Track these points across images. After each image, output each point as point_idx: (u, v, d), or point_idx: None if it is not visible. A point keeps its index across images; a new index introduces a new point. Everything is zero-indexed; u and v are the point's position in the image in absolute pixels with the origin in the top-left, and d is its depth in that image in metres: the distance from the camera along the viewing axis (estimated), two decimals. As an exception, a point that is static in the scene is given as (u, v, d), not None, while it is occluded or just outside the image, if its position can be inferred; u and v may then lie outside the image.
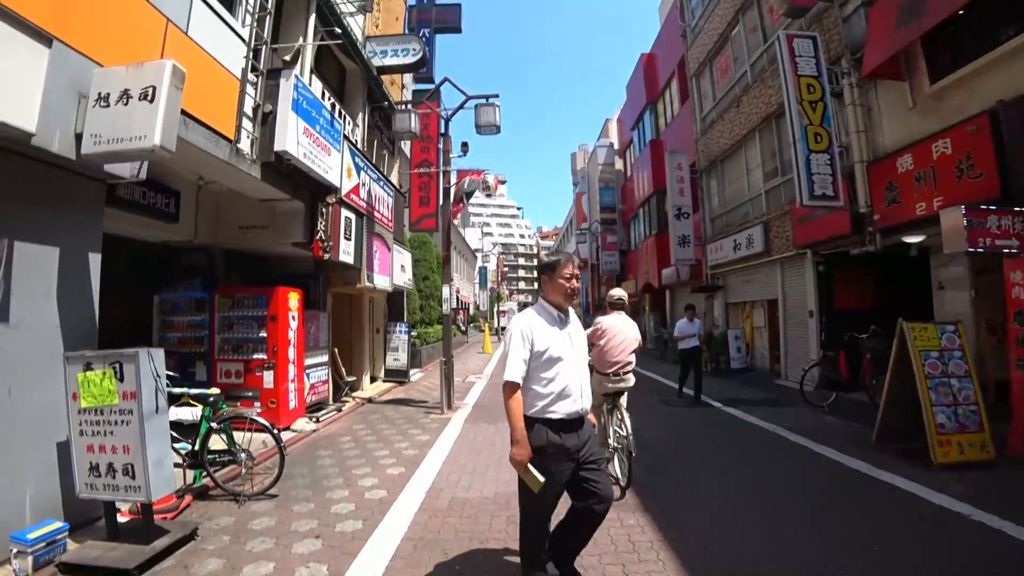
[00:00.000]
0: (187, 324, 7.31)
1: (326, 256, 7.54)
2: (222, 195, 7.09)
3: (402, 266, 12.01)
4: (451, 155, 9.88)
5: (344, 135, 7.89)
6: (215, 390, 4.84)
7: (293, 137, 6.13)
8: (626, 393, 4.90)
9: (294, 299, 7.35)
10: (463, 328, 32.74)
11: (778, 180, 11.80)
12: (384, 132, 12.17)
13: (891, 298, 9.41)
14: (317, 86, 8.19)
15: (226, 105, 5.46)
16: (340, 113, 9.13)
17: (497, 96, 9.06)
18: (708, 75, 15.51)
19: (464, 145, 10.75)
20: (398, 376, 12.32)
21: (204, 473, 4.63)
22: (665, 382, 11.91)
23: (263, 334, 7.07)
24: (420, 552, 3.44)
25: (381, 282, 10.08)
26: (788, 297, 11.59)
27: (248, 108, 5.77)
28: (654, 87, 21.52)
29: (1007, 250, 5.72)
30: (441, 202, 10.13)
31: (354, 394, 10.15)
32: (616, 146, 30.53)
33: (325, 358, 8.73)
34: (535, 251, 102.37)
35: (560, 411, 2.61)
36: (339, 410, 8.60)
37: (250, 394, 7.00)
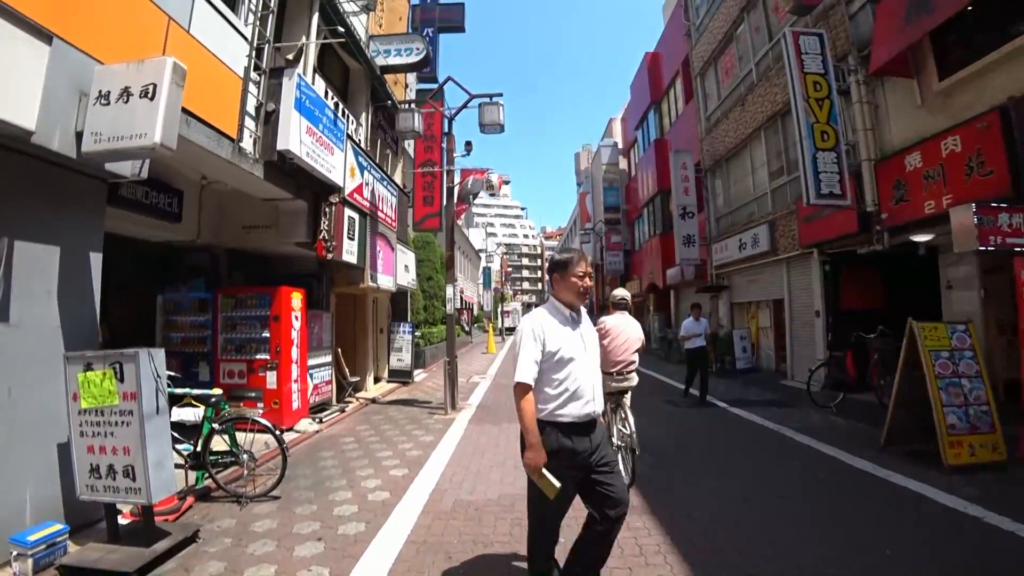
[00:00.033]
0: (190, 324, 7.29)
1: (329, 256, 7.51)
2: (225, 194, 7.07)
3: (406, 266, 11.98)
4: (455, 154, 9.84)
5: (347, 134, 7.86)
6: (217, 391, 4.80)
7: (296, 136, 6.11)
8: (630, 392, 4.96)
9: (297, 299, 7.32)
10: (467, 328, 32.72)
11: (784, 179, 11.71)
12: (388, 132, 12.15)
13: (898, 298, 9.32)
14: (320, 85, 8.16)
15: (228, 104, 5.43)
16: (343, 112, 9.10)
17: (501, 95, 9.02)
18: (713, 74, 15.42)
19: (468, 144, 10.69)
20: (402, 376, 12.29)
21: (206, 474, 4.59)
22: (670, 383, 11.85)
23: (266, 334, 7.04)
24: (423, 555, 3.39)
25: (385, 282, 10.05)
26: (794, 297, 11.50)
27: (251, 107, 5.73)
28: (658, 86, 21.44)
29: (1019, 248, 5.63)
30: (445, 201, 10.09)
31: (358, 395, 10.12)
32: (620, 146, 30.44)
33: (328, 358, 8.70)
34: (539, 251, 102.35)
35: (571, 414, 2.51)
36: (343, 411, 8.57)
37: (253, 395, 6.97)
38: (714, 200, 15.69)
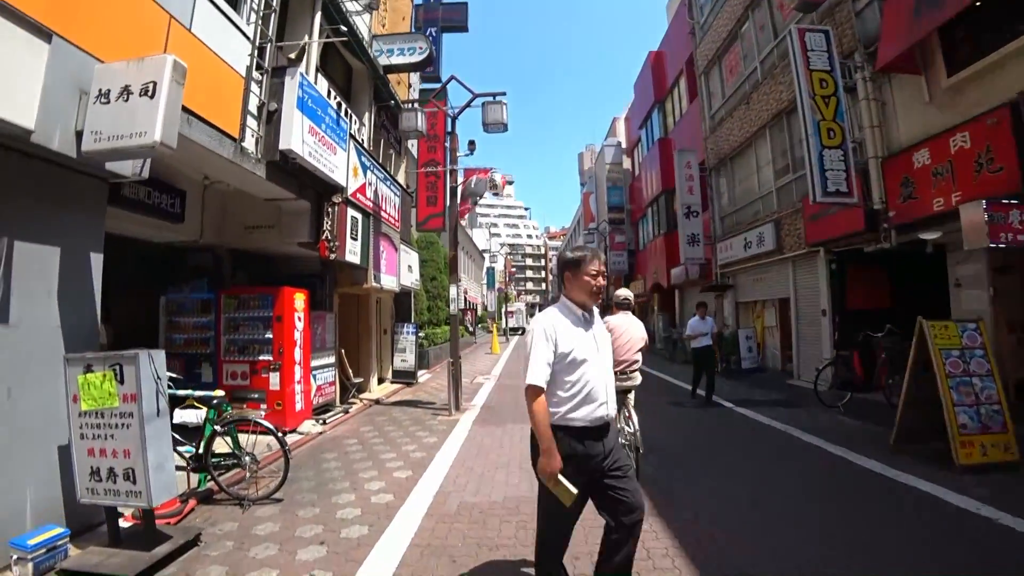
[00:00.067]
0: (193, 325, 7.26)
1: (332, 256, 7.47)
2: (228, 195, 7.04)
3: (409, 266, 11.95)
4: (458, 154, 9.80)
5: (350, 134, 7.83)
6: (219, 392, 4.76)
7: (298, 136, 6.07)
8: (633, 391, 4.99)
9: (300, 299, 7.28)
10: (471, 329, 32.67)
11: (789, 177, 11.63)
12: (391, 131, 12.12)
13: (906, 297, 9.24)
14: (323, 85, 8.13)
15: (230, 103, 5.40)
16: (346, 112, 9.07)
17: (504, 94, 8.97)
18: (717, 72, 15.34)
19: (471, 143, 10.66)
20: (405, 377, 12.25)
21: (208, 477, 4.56)
22: (675, 383, 11.77)
23: (269, 335, 7.00)
24: (427, 559, 3.34)
25: (388, 282, 10.01)
26: (800, 296, 11.42)
27: (253, 106, 5.71)
28: (662, 85, 21.36)
29: (1030, 246, 5.56)
30: (448, 202, 10.04)
31: (361, 395, 10.08)
32: (624, 145, 30.36)
33: (332, 359, 8.67)
34: (543, 252, 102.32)
35: (584, 417, 2.41)
36: (346, 412, 8.53)
37: (256, 396, 6.93)
38: (719, 199, 15.61)
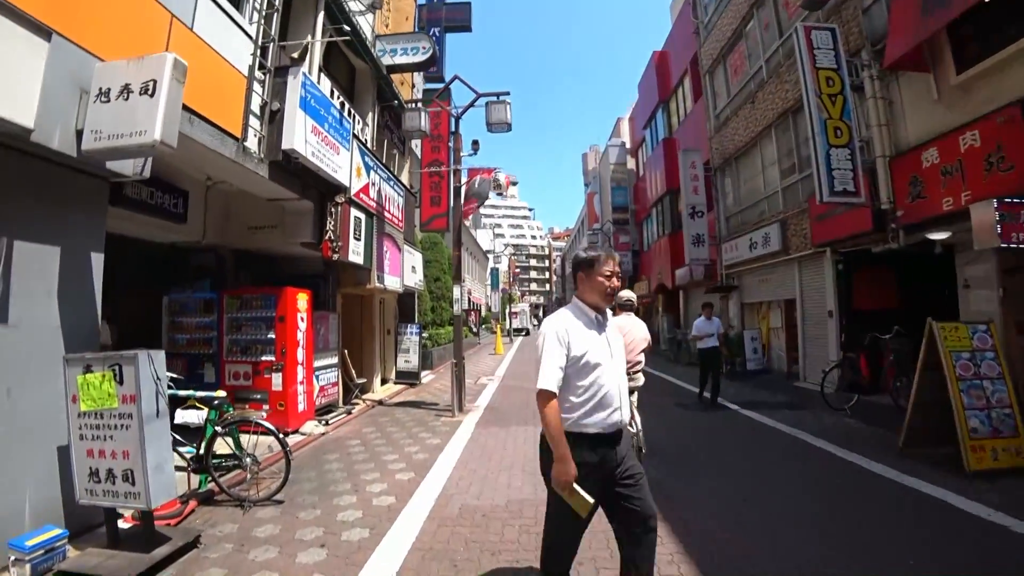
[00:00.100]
0: (196, 325, 7.25)
1: (335, 256, 7.44)
2: (231, 195, 7.03)
3: (413, 267, 11.91)
4: (462, 154, 9.76)
5: (353, 134, 7.81)
6: (221, 393, 4.73)
7: (301, 135, 6.05)
8: (636, 392, 5.03)
9: (303, 300, 7.25)
10: (475, 329, 32.65)
11: (795, 177, 11.53)
12: (394, 131, 12.09)
13: (913, 298, 9.13)
14: (326, 85, 8.11)
15: (233, 103, 5.39)
16: (349, 112, 9.05)
17: (508, 93, 8.93)
18: (722, 72, 15.25)
19: (475, 143, 10.62)
20: (409, 378, 12.22)
21: (209, 478, 4.53)
22: (679, 384, 11.69)
23: (271, 335, 6.98)
24: (428, 563, 3.29)
25: (392, 283, 9.98)
26: (806, 297, 11.31)
27: (255, 106, 5.69)
28: (666, 85, 21.28)
29: (1042, 246, 5.47)
30: (452, 202, 10.01)
31: (364, 396, 10.05)
32: (628, 145, 30.29)
33: (335, 360, 8.64)
34: (547, 252, 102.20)
35: (596, 424, 2.32)
36: (349, 412, 8.51)
37: (259, 396, 6.92)
38: (724, 199, 15.52)
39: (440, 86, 12.96)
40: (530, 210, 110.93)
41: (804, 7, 9.65)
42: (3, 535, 3.13)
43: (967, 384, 5.04)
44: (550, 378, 2.28)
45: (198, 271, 7.61)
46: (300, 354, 7.11)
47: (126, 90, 3.47)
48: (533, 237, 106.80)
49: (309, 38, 7.26)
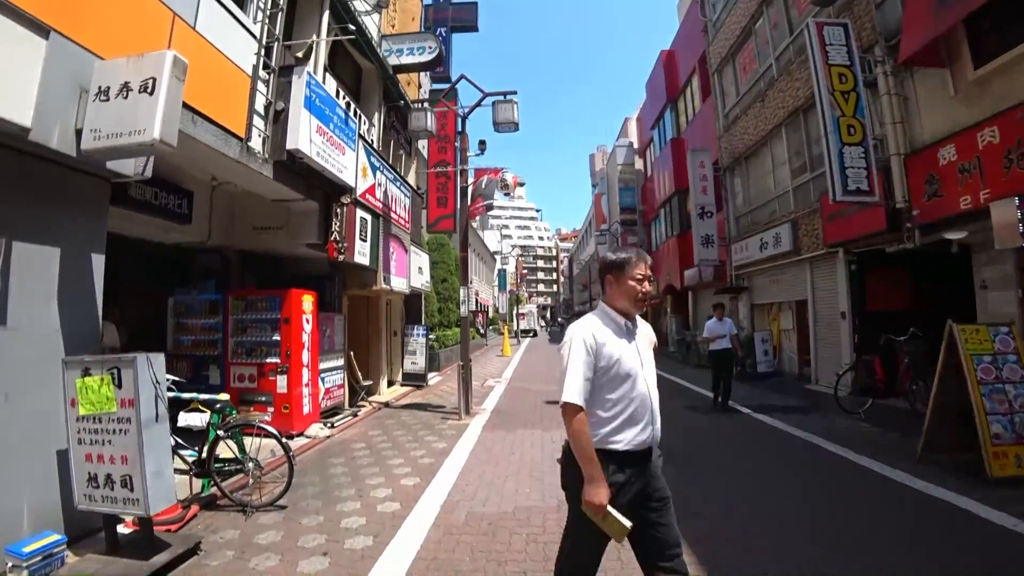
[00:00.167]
0: (201, 327, 7.20)
1: (341, 257, 7.38)
2: (235, 195, 6.98)
3: (419, 268, 11.85)
4: (468, 154, 9.68)
5: (359, 134, 7.74)
6: (224, 396, 4.67)
7: (306, 135, 5.99)
8: None
9: (308, 301, 7.19)
10: (482, 331, 32.58)
11: (806, 176, 11.36)
12: (401, 132, 12.03)
13: (928, 299, 8.93)
14: (331, 84, 8.05)
15: (237, 102, 5.33)
16: (355, 112, 9.00)
17: (515, 93, 8.84)
18: (731, 70, 15.09)
19: (482, 143, 10.52)
20: (415, 380, 12.15)
21: (211, 482, 4.46)
22: (689, 387, 11.54)
23: (276, 337, 6.92)
24: (432, 574, 3.20)
25: (398, 284, 9.92)
26: (818, 298, 11.13)
27: (259, 106, 5.62)
28: (674, 84, 21.12)
29: (1066, 246, 5.30)
30: (459, 202, 9.93)
31: (370, 398, 9.98)
32: (636, 145, 30.10)
33: (340, 362, 8.58)
34: (554, 253, 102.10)
35: (627, 440, 2.11)
36: (355, 415, 8.44)
37: (263, 399, 6.86)
38: (733, 199, 15.34)
39: (447, 86, 12.91)
40: (537, 211, 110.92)
41: (815, 3, 9.48)
42: (0, 541, 3.07)
43: (989, 388, 4.88)
44: (576, 390, 2.08)
45: (203, 272, 7.57)
46: (305, 356, 7.05)
47: (125, 88, 3.41)
48: (540, 238, 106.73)
49: (314, 37, 7.20)
